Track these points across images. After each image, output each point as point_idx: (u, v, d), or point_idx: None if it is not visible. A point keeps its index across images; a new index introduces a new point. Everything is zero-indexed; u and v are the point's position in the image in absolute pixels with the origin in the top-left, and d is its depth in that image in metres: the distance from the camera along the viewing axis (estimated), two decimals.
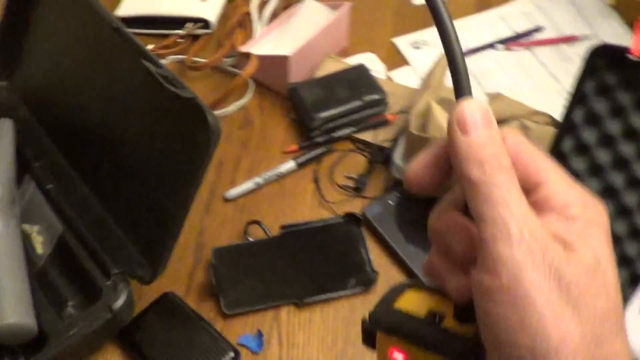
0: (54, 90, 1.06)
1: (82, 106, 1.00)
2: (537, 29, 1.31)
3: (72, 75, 1.01)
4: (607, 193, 0.91)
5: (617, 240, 0.92)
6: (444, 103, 1.02)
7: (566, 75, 1.23)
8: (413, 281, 0.53)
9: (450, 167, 0.42)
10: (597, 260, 0.39)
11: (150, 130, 0.90)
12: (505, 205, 0.39)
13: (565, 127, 0.92)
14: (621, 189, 0.91)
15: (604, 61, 0.89)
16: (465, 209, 0.42)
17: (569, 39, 1.29)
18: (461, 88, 0.41)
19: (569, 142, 0.92)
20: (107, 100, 0.95)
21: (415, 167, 0.44)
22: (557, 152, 0.92)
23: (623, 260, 0.92)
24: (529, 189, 0.41)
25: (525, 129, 1.01)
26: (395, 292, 0.51)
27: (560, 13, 1.33)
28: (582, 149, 0.92)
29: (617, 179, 0.91)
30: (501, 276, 0.38)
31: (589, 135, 0.91)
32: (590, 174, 0.92)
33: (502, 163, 0.40)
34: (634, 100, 0.89)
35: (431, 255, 0.45)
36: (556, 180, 0.42)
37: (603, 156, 0.91)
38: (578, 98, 0.91)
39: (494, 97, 1.07)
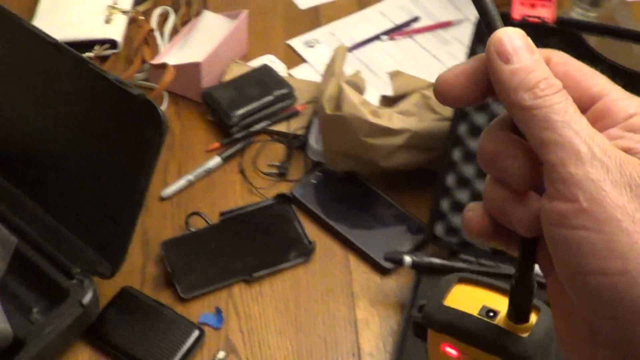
0: None
1: (19, 123, 1.06)
2: (414, 19, 1.44)
3: (4, 94, 1.06)
4: None
5: None
6: (350, 84, 1.13)
7: (446, 56, 1.37)
8: (461, 275, 0.51)
9: (485, 86, 0.40)
10: None
11: (98, 133, 0.97)
12: (567, 125, 0.36)
13: None
14: None
15: None
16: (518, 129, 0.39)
17: (444, 25, 1.43)
18: (491, 19, 0.39)
19: None
20: (47, 113, 1.01)
21: (448, 76, 0.41)
22: (460, 111, 1.04)
23: None
24: (585, 106, 0.39)
25: (425, 98, 1.12)
26: (444, 287, 0.49)
27: (432, 3, 1.47)
28: (481, 105, 1.04)
29: None
30: (578, 199, 0.35)
31: None
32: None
33: (553, 84, 0.38)
34: None
35: (487, 188, 0.41)
36: (613, 91, 0.39)
37: (498, 109, 1.04)
38: None
39: (395, 75, 1.19)
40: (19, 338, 0.92)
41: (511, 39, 0.38)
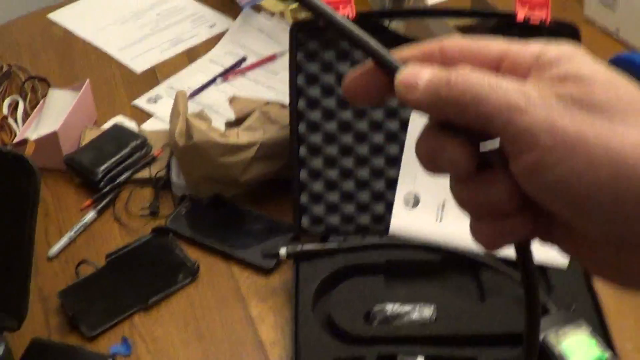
0: None
1: None
2: (242, 59, 1.58)
3: None
4: (342, 127, 1.18)
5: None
6: (196, 117, 1.25)
7: (279, 84, 1.51)
8: None
9: (386, 85, 0.43)
10: (606, 74, 0.39)
11: None
12: (494, 89, 0.38)
13: (295, 91, 1.17)
14: (353, 122, 1.18)
15: (303, 34, 1.17)
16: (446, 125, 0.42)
17: (270, 59, 1.58)
18: (387, 62, 0.43)
19: (302, 102, 1.18)
20: None
21: (350, 78, 0.45)
22: (296, 113, 1.17)
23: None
24: (493, 69, 0.42)
25: (265, 114, 1.25)
26: None
27: (255, 42, 1.62)
28: (313, 103, 1.18)
29: (345, 115, 1.18)
30: (540, 141, 0.37)
31: (314, 91, 1.18)
32: (325, 118, 1.18)
33: (461, 67, 0.40)
34: (336, 54, 1.17)
35: (454, 192, 0.43)
36: (512, 46, 0.42)
37: (329, 103, 1.18)
38: (295, 67, 1.17)
39: (233, 99, 1.32)
40: None
41: (409, 74, 0.41)
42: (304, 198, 1.18)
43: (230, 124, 1.31)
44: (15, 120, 1.43)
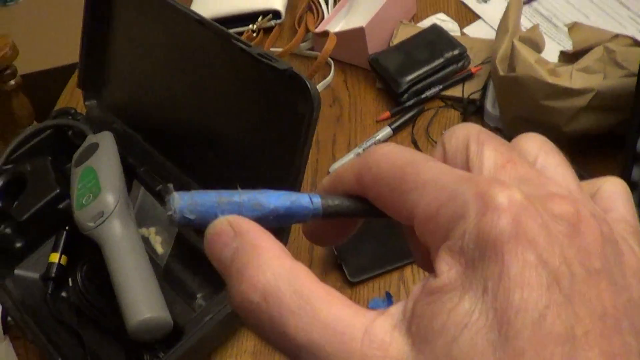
0: (142, 96, 1.09)
1: (173, 104, 1.03)
2: None
3: (157, 77, 1.04)
4: None
5: None
6: (525, 41, 1.03)
7: (635, 1, 1.22)
8: None
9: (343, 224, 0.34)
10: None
11: (250, 111, 0.92)
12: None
13: None
14: None
15: None
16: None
17: None
18: None
19: None
20: (199, 92, 0.98)
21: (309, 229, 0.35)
22: None
23: None
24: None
25: (610, 52, 1.00)
26: None
27: None
28: None
29: None
30: None
31: None
32: None
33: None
34: None
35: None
36: (432, 195, 0.27)
37: None
38: None
39: (573, 27, 1.07)
40: (179, 326, 0.89)
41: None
42: (636, 173, 0.94)
43: (565, 56, 1.07)
44: (327, 1, 1.28)
